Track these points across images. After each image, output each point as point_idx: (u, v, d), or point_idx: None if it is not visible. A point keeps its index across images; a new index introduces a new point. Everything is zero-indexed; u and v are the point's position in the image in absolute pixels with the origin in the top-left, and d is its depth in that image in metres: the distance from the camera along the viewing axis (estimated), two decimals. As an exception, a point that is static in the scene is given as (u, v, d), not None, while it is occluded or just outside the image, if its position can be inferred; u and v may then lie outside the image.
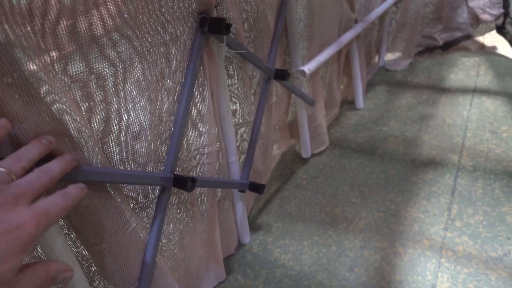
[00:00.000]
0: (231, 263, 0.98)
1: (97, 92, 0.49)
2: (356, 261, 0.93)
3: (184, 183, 0.62)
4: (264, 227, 1.07)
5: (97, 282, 0.64)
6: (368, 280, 0.88)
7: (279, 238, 1.03)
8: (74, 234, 0.55)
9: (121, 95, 0.52)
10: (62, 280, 0.33)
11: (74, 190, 0.36)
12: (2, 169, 0.31)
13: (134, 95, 0.54)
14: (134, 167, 0.59)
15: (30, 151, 0.35)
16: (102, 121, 0.51)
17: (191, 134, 0.70)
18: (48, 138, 0.39)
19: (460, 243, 0.94)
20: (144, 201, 0.64)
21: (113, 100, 0.51)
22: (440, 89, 1.65)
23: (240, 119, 0.91)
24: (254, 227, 1.07)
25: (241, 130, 0.93)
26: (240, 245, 1.03)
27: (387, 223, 1.03)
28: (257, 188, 0.87)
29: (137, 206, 0.64)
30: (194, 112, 0.69)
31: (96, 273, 0.63)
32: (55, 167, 0.37)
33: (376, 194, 1.13)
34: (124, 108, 0.53)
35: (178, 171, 0.71)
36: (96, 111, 0.50)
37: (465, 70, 1.78)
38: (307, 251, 0.98)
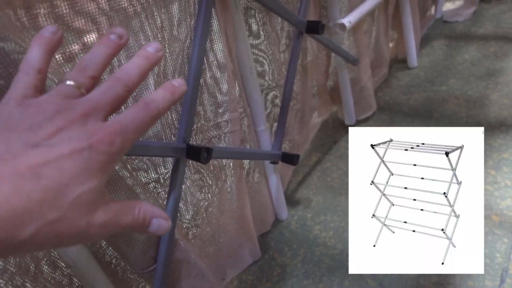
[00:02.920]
0: (268, 240, 0.91)
1: (83, 50, 0.42)
2: (408, 240, 0.81)
3: (198, 153, 0.54)
4: (303, 202, 0.98)
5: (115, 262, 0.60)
6: (423, 262, 0.76)
7: (320, 214, 0.93)
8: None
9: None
10: (157, 228, 0.27)
11: (161, 95, 0.28)
12: (70, 82, 0.26)
13: (131, 51, 0.46)
14: (141, 139, 0.53)
15: (97, 56, 0.28)
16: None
17: (208, 99, 0.62)
18: (118, 31, 0.29)
19: (540, 219, 0.78)
20: (157, 176, 0.58)
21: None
22: (512, 40, 1.40)
23: (269, 82, 0.81)
24: (292, 202, 0.98)
25: (271, 95, 0.83)
26: (277, 221, 0.95)
27: (446, 196, 0.88)
28: (290, 159, 0.78)
29: (151, 181, 0.58)
30: (209, 74, 0.60)
31: (113, 256, 0.58)
32: (132, 69, 0.28)
33: (433, 163, 0.98)
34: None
35: (198, 142, 0.63)
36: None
37: (544, 15, 1.50)
38: (351, 228, 0.87)
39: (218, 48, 0.60)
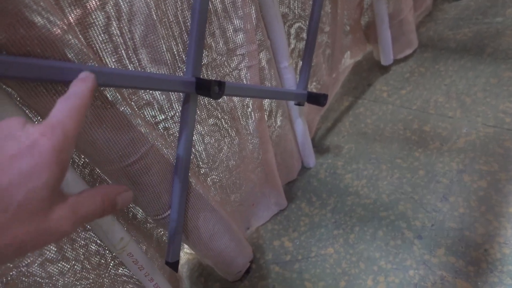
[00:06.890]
0: (294, 189, 0.85)
1: None
2: (451, 189, 0.73)
3: (208, 87, 0.47)
4: (333, 149, 0.90)
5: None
6: (469, 212, 0.68)
7: (351, 162, 0.86)
8: (83, 157, 0.47)
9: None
10: (124, 202, 0.30)
11: (78, 87, 0.29)
12: None
13: None
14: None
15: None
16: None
17: (219, 28, 0.54)
18: None
19: None
20: (165, 116, 0.52)
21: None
22: None
23: (294, 11, 0.71)
24: (320, 149, 0.91)
25: (296, 27, 0.73)
26: (304, 169, 0.88)
27: (498, 140, 0.78)
28: (316, 99, 0.69)
29: (160, 121, 0.52)
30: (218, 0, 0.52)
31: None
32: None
33: (483, 104, 0.86)
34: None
35: (213, 78, 0.57)
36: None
37: None
38: (386, 176, 0.80)
39: (229, -36, 0.51)
